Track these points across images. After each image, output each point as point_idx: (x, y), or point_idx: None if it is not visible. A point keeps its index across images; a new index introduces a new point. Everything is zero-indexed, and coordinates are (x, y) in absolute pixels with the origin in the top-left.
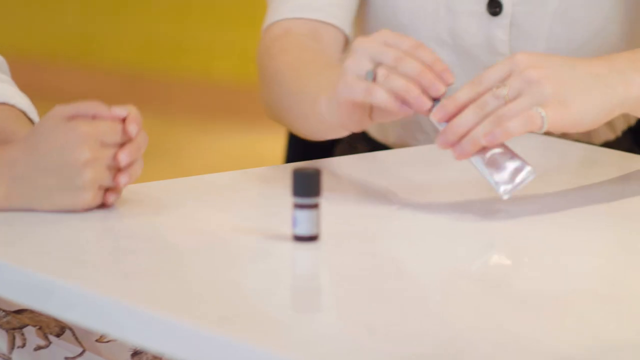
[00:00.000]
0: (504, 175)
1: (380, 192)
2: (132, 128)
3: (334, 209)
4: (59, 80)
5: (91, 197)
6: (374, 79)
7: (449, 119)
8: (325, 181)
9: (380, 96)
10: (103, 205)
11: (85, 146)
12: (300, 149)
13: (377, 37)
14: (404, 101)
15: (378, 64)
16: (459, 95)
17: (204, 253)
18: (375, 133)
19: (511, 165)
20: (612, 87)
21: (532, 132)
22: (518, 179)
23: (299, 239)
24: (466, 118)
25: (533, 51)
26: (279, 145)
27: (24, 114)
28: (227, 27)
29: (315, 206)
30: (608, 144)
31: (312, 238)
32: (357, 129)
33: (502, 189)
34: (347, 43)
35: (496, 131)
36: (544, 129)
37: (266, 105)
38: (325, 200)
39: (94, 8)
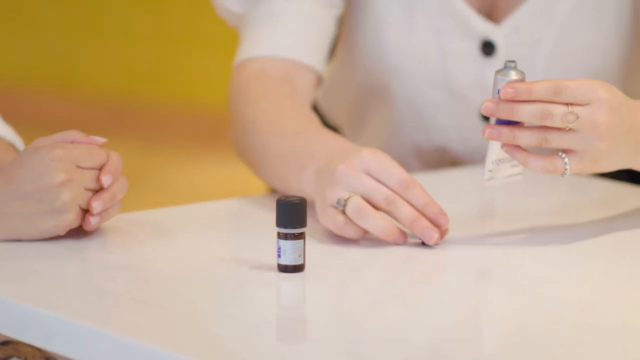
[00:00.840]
0: (501, 167)
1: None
2: (106, 179)
3: (319, 239)
4: (42, 109)
5: (73, 217)
6: (344, 206)
7: (513, 98)
8: (310, 210)
9: (352, 233)
10: (85, 229)
11: (59, 168)
12: None
13: (359, 165)
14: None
15: (365, 199)
16: (536, 89)
17: (188, 283)
18: None
19: (512, 162)
20: None
21: (548, 173)
22: (507, 177)
23: (284, 269)
24: (526, 111)
25: None
26: None
27: (11, 145)
28: (211, 53)
29: (300, 236)
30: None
31: (297, 268)
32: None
33: (488, 176)
34: (319, 83)
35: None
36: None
37: (237, 148)
38: (310, 230)
39: (76, 36)
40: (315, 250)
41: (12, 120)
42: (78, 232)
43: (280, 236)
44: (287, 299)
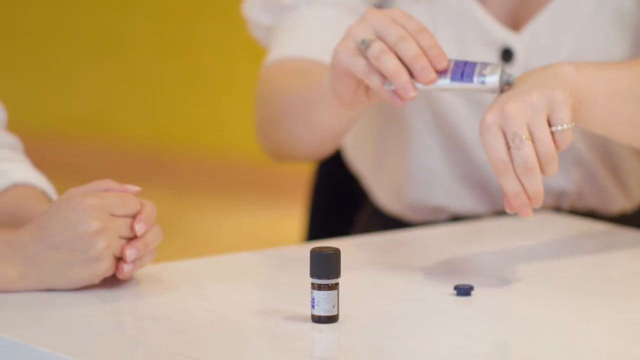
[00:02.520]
0: (480, 70)
1: (399, 273)
2: (139, 227)
3: (353, 289)
4: (74, 158)
5: (107, 265)
6: (366, 49)
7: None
8: (344, 261)
9: (375, 82)
10: (118, 278)
11: (94, 216)
12: (319, 226)
13: (388, 12)
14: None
15: (378, 37)
16: (511, 189)
17: (221, 334)
18: (390, 203)
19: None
20: None
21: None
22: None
23: (318, 320)
24: (515, 184)
25: None
26: (296, 223)
27: (44, 193)
28: (242, 102)
29: (333, 287)
30: (624, 216)
31: (331, 319)
32: (354, 104)
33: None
34: None
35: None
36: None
37: (262, 125)
38: (344, 281)
39: (108, 85)
40: (349, 301)
41: (45, 169)
42: (111, 282)
43: (314, 287)
44: (322, 350)
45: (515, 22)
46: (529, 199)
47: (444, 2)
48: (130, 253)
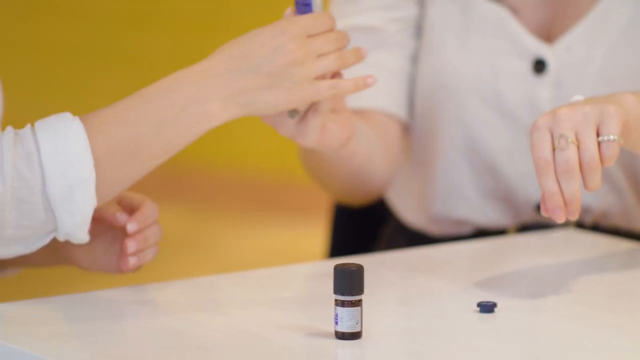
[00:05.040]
0: None
1: (422, 289)
2: (131, 226)
3: (376, 306)
4: None
5: (308, 91)
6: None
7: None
8: (367, 277)
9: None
10: (122, 270)
11: (294, 43)
12: (342, 242)
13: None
14: None
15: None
16: (548, 188)
17: (243, 351)
18: (414, 217)
19: None
20: None
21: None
22: None
23: (341, 336)
24: (553, 184)
25: None
26: (317, 239)
27: None
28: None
29: (357, 303)
30: None
31: (354, 335)
32: None
33: None
34: (405, 129)
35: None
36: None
37: (322, 183)
38: (368, 297)
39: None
40: (372, 317)
41: None
42: (133, 296)
43: (338, 303)
44: None
45: (549, 34)
46: (565, 203)
47: (477, 12)
48: (130, 245)
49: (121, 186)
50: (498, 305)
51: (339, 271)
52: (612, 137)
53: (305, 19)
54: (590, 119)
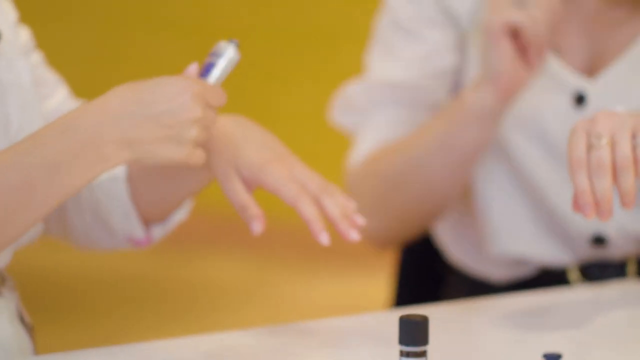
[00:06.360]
0: None
1: (486, 339)
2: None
3: (440, 357)
4: None
5: (191, 152)
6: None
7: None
8: (431, 327)
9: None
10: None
11: (197, 104)
12: (405, 292)
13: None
14: None
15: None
16: (579, 184)
17: None
18: (473, 262)
19: None
20: None
21: None
22: None
23: None
24: (585, 182)
25: None
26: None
27: None
28: (320, 165)
29: (422, 354)
30: None
31: None
32: (514, 75)
33: None
34: None
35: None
36: None
37: (373, 205)
38: (432, 348)
39: None
40: None
41: None
42: (192, 348)
43: (403, 354)
44: None
45: (590, 71)
46: (596, 201)
47: None
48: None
49: (12, 232)
50: (563, 356)
51: (404, 322)
52: None
53: (210, 87)
54: (626, 123)
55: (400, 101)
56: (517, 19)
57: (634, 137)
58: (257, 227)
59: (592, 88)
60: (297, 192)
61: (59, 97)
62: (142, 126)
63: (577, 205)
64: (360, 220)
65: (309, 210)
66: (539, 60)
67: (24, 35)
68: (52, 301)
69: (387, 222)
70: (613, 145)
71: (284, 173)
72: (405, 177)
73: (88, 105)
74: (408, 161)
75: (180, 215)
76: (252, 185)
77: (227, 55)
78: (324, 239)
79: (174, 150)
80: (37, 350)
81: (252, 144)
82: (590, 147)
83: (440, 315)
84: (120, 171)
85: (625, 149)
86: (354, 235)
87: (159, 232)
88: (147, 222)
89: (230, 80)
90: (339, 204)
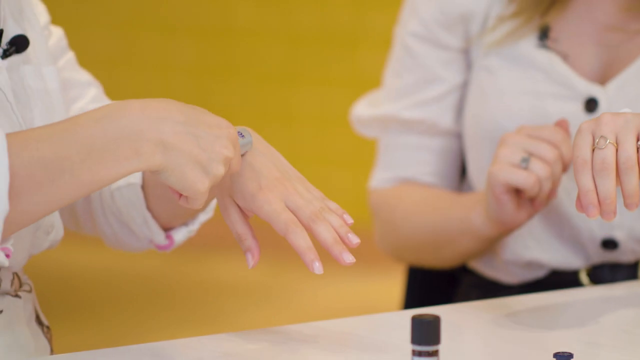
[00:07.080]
0: None
1: (497, 339)
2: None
3: (452, 357)
4: None
5: (208, 185)
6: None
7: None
8: (443, 327)
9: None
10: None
11: (230, 145)
12: (418, 294)
13: (522, 131)
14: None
15: (530, 154)
16: (583, 185)
17: None
18: (485, 267)
19: None
20: None
21: None
22: None
23: None
24: (589, 182)
25: None
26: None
27: None
28: (340, 169)
29: (434, 354)
30: None
31: None
32: (514, 221)
33: None
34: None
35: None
36: None
37: (393, 248)
38: (444, 347)
39: None
40: None
41: None
42: (209, 347)
43: (415, 353)
44: None
45: (600, 78)
46: (599, 201)
47: (527, 58)
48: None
49: (36, 209)
50: (575, 356)
51: (416, 321)
52: None
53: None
54: (631, 125)
55: (411, 131)
56: (517, 181)
57: (638, 138)
58: (250, 261)
59: (603, 94)
60: (288, 224)
61: (86, 99)
62: (182, 136)
63: (580, 205)
64: (355, 239)
65: (299, 242)
66: (544, 205)
67: (56, 37)
68: (67, 302)
69: (400, 250)
70: (617, 146)
71: (275, 204)
72: (414, 247)
73: (128, 102)
74: (419, 238)
75: (205, 217)
76: (250, 213)
77: (246, 139)
78: (317, 269)
79: (198, 177)
80: (54, 350)
81: (246, 171)
82: (594, 148)
83: (452, 315)
84: (135, 178)
85: (629, 149)
86: (348, 259)
87: (182, 235)
88: (168, 226)
89: (250, 84)
90: (333, 227)
